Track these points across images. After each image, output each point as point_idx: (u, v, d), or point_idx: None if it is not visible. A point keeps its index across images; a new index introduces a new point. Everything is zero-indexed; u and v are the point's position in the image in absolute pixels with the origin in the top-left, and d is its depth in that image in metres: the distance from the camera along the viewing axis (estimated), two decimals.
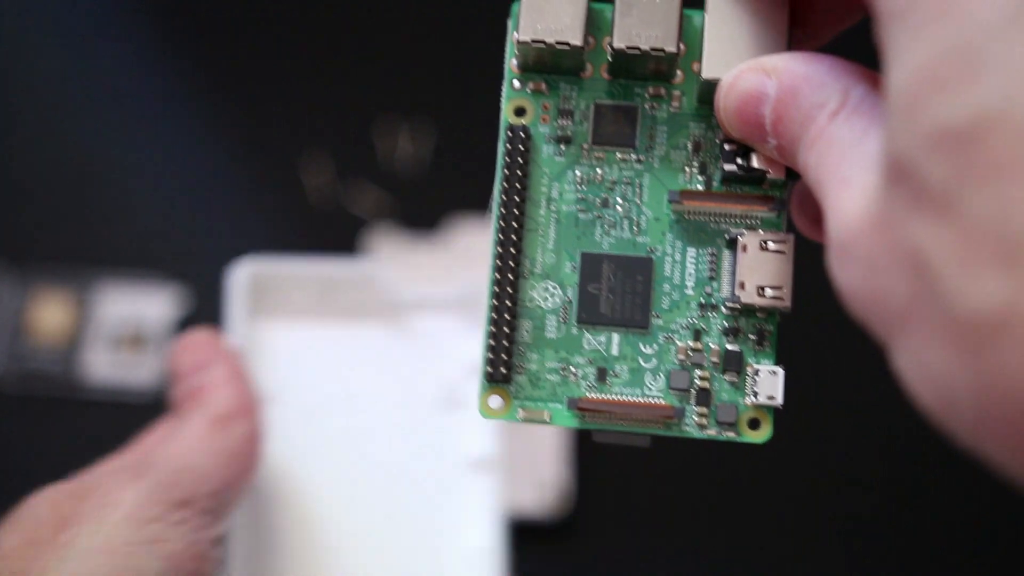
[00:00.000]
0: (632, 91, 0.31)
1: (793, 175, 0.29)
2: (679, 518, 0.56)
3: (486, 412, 0.30)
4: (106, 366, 0.56)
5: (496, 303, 0.30)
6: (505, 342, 0.29)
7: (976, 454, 0.22)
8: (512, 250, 0.30)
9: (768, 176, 0.29)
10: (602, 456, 0.55)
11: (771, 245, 0.29)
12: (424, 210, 0.58)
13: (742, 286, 0.29)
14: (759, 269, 0.29)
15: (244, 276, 0.49)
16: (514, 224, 0.30)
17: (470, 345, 0.50)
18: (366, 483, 0.48)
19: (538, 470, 0.53)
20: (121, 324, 0.57)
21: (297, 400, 0.48)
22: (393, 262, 0.54)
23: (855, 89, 0.26)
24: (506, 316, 0.30)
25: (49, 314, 0.57)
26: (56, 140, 0.60)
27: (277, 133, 0.60)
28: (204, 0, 0.62)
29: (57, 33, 0.61)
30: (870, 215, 0.23)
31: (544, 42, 0.29)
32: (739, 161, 0.29)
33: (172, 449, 0.38)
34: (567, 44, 0.29)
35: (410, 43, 0.61)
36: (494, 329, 0.29)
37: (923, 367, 0.22)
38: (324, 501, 0.47)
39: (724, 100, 0.28)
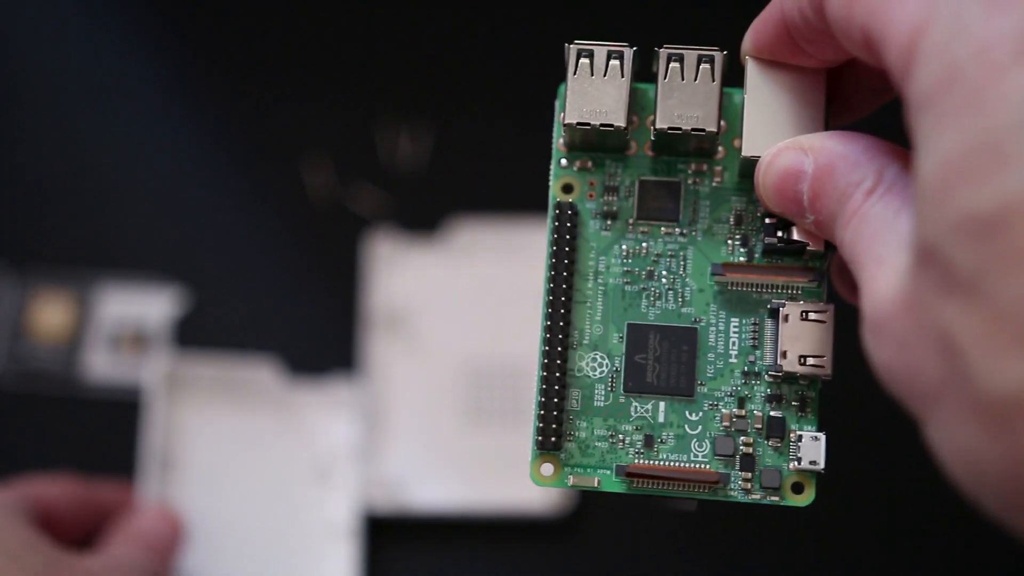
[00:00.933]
0: (675, 167, 0.32)
1: (832, 246, 0.30)
2: (681, 516, 0.54)
3: (538, 480, 0.31)
4: (106, 366, 0.57)
5: (546, 374, 0.31)
6: (555, 411, 0.31)
7: (1005, 527, 0.22)
8: (561, 322, 0.31)
9: (808, 248, 0.30)
10: None
11: (812, 315, 0.30)
12: (424, 211, 0.58)
13: (784, 355, 0.30)
14: (801, 338, 0.30)
15: (162, 374, 0.55)
16: (563, 297, 0.31)
17: (337, 428, 0.55)
18: (247, 541, 0.54)
19: None
20: (121, 324, 0.57)
21: (199, 470, 0.55)
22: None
23: (889, 168, 0.27)
24: (556, 386, 0.31)
25: (49, 314, 0.57)
26: (56, 140, 0.60)
27: (277, 133, 0.60)
28: (205, 1, 0.62)
29: (57, 33, 0.61)
30: (901, 296, 0.24)
31: (589, 124, 0.31)
32: (780, 234, 0.30)
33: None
34: (611, 126, 0.31)
35: (410, 44, 0.61)
36: (544, 399, 0.31)
37: (954, 443, 0.23)
38: (211, 557, 0.54)
39: (763, 177, 0.30)
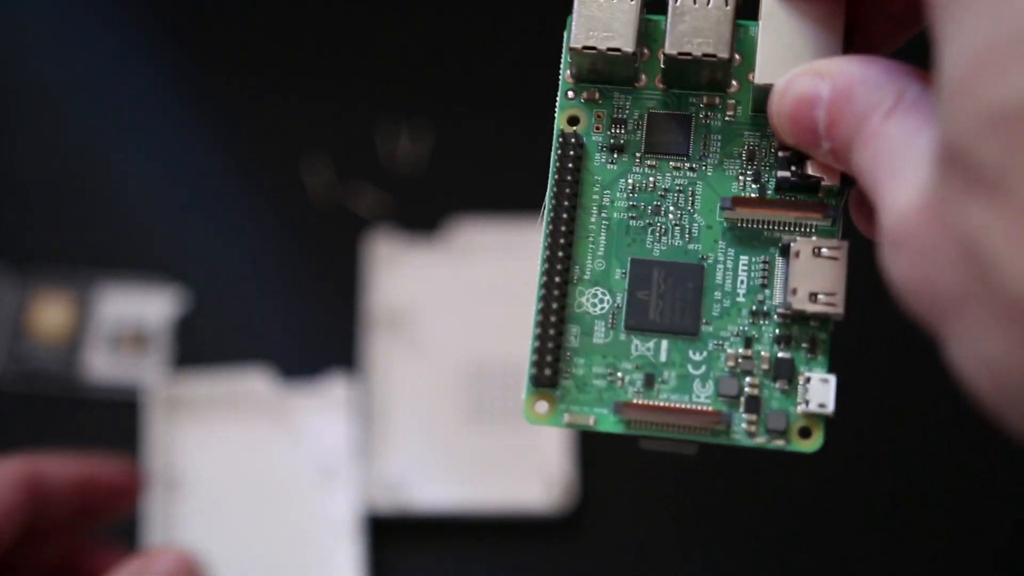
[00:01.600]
0: (687, 101, 0.31)
1: (849, 182, 0.29)
2: (684, 514, 0.56)
3: (532, 417, 0.30)
4: (106, 366, 0.57)
5: (544, 307, 0.29)
6: (552, 345, 0.29)
7: None
8: (562, 255, 0.30)
9: (823, 183, 0.29)
10: (607, 452, 0.55)
11: (825, 251, 0.29)
12: (424, 211, 0.59)
13: (794, 292, 0.29)
14: (812, 275, 0.29)
15: (162, 391, 0.56)
16: (564, 230, 0.30)
17: (337, 429, 0.55)
18: (251, 545, 0.55)
19: (543, 466, 0.54)
20: (121, 324, 0.57)
21: (205, 481, 0.56)
22: None
23: (910, 89, 0.25)
24: (553, 320, 0.29)
25: (49, 314, 0.57)
26: (55, 140, 0.60)
27: (277, 134, 0.60)
28: (206, 1, 0.63)
29: (56, 34, 0.62)
30: (923, 204, 0.23)
31: (596, 48, 0.30)
32: (793, 168, 0.29)
33: None
34: (619, 50, 0.29)
35: (410, 44, 0.61)
36: (541, 332, 0.29)
37: (978, 354, 0.21)
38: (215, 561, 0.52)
39: (777, 104, 0.28)
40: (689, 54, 0.29)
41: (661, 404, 0.29)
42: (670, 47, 0.29)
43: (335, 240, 0.58)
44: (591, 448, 0.55)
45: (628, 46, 0.29)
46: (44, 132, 0.60)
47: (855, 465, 0.55)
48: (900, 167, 0.24)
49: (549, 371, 0.29)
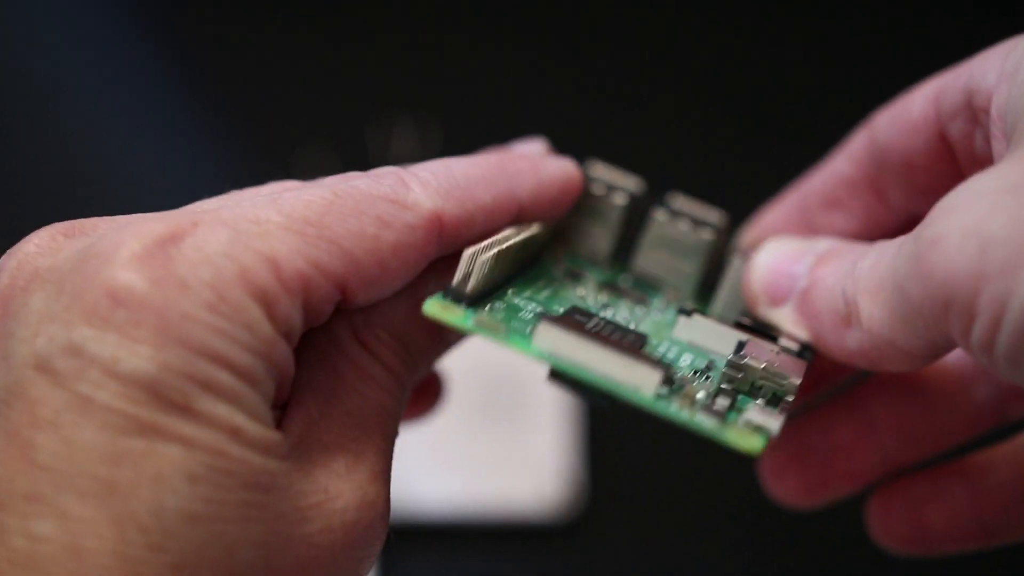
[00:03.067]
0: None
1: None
2: (689, 518, 0.56)
3: (432, 311, 0.24)
4: None
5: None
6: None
7: None
8: None
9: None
10: (613, 456, 0.56)
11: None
12: None
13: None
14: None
15: None
16: None
17: None
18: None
19: (547, 469, 0.56)
20: None
21: None
22: None
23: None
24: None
25: None
26: (55, 140, 0.62)
27: (275, 130, 0.60)
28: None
29: (55, 31, 0.63)
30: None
31: None
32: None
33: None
34: None
35: (413, 40, 0.63)
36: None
37: None
38: None
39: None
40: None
41: (593, 331, 0.24)
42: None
43: None
44: (597, 453, 0.56)
45: None
46: (44, 132, 0.62)
47: None
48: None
49: (471, 288, 0.25)
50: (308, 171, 0.70)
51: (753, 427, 0.23)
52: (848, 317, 0.24)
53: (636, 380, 0.22)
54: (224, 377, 0.21)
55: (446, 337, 0.26)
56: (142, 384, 0.20)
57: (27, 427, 0.20)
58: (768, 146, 0.64)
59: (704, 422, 0.22)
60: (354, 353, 0.24)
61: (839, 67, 0.66)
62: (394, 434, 0.24)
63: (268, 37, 0.68)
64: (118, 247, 0.21)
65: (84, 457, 0.20)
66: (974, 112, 0.26)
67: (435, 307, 0.24)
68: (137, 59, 0.68)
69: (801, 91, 0.65)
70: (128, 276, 0.21)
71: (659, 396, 0.23)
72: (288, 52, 0.67)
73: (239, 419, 0.21)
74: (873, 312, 0.23)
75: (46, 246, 0.23)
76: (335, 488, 0.22)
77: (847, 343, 0.24)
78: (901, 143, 0.28)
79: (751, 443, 0.22)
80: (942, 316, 0.21)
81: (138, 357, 0.20)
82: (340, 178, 0.24)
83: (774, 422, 0.23)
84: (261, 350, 0.21)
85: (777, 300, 0.27)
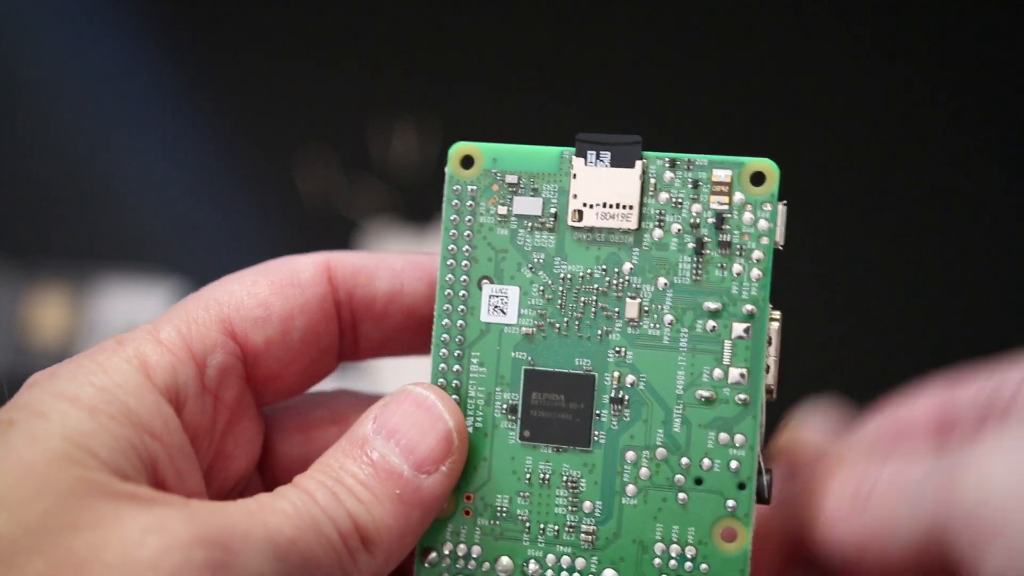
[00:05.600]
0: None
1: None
2: None
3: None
4: None
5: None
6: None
7: None
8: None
9: None
10: None
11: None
12: (422, 207, 0.59)
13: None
14: None
15: None
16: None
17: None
18: None
19: None
20: (120, 324, 0.58)
21: None
22: None
23: None
24: None
25: (47, 315, 0.58)
26: (56, 139, 0.62)
27: (274, 129, 0.60)
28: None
29: (55, 31, 0.63)
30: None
31: None
32: None
33: None
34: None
35: (413, 41, 0.63)
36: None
37: None
38: None
39: None
40: None
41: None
42: None
43: (332, 235, 0.59)
44: None
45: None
46: (43, 132, 0.62)
47: None
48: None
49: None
50: (308, 171, 0.64)
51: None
52: None
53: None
54: None
55: None
56: None
57: None
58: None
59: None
60: None
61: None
62: None
63: (268, 37, 0.67)
64: None
65: None
66: None
67: None
68: (137, 59, 0.68)
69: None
70: None
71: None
72: (288, 52, 0.67)
73: None
74: None
75: None
76: None
77: None
78: None
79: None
80: None
81: None
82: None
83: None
84: None
85: None
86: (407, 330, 0.29)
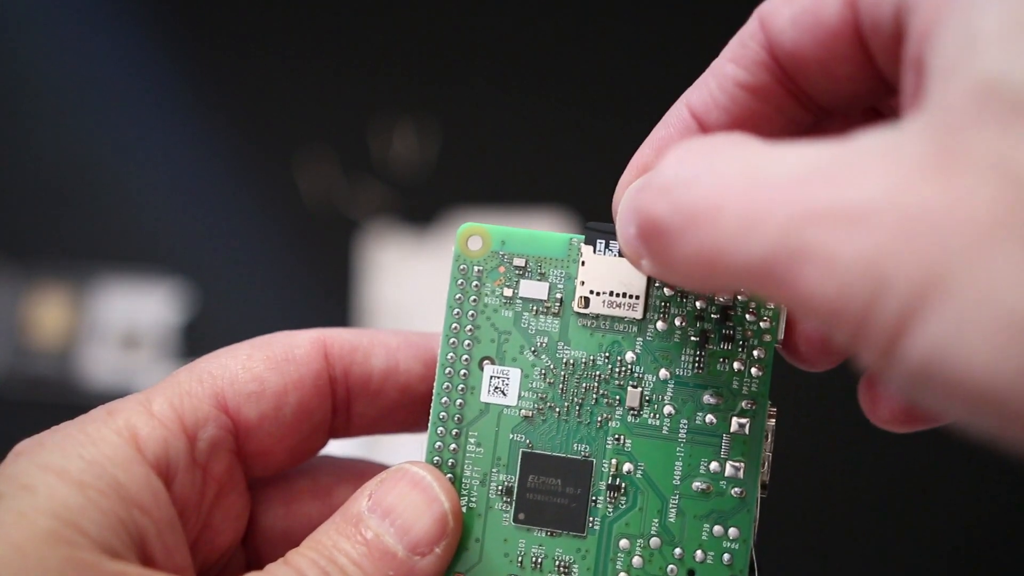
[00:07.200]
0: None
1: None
2: None
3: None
4: (105, 366, 0.55)
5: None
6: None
7: None
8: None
9: None
10: None
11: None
12: (423, 208, 0.58)
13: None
14: None
15: None
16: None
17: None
18: None
19: None
20: (119, 324, 0.57)
21: None
22: None
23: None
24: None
25: (47, 315, 0.57)
26: (57, 139, 0.61)
27: (276, 130, 0.60)
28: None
29: (56, 32, 0.63)
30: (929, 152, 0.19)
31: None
32: None
33: None
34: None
35: (413, 41, 0.63)
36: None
37: (1002, 303, 0.17)
38: None
39: None
40: None
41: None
42: None
43: (333, 236, 0.58)
44: None
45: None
46: (42, 131, 0.61)
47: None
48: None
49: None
50: (309, 172, 0.65)
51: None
52: None
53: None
54: None
55: None
56: None
57: None
58: None
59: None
60: None
61: None
62: None
63: (269, 38, 0.67)
64: None
65: None
66: (898, 24, 0.22)
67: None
68: (139, 61, 0.67)
69: None
70: None
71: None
72: (289, 52, 0.67)
73: None
74: None
75: None
76: None
77: None
78: (812, 50, 0.24)
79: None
80: None
81: None
82: None
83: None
84: None
85: None
86: (401, 408, 0.29)
